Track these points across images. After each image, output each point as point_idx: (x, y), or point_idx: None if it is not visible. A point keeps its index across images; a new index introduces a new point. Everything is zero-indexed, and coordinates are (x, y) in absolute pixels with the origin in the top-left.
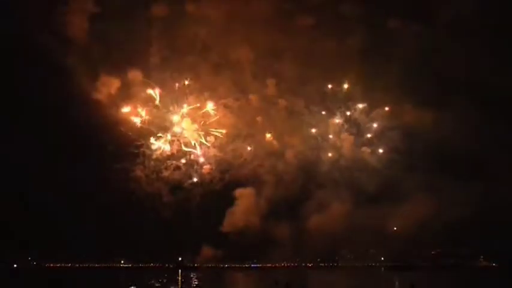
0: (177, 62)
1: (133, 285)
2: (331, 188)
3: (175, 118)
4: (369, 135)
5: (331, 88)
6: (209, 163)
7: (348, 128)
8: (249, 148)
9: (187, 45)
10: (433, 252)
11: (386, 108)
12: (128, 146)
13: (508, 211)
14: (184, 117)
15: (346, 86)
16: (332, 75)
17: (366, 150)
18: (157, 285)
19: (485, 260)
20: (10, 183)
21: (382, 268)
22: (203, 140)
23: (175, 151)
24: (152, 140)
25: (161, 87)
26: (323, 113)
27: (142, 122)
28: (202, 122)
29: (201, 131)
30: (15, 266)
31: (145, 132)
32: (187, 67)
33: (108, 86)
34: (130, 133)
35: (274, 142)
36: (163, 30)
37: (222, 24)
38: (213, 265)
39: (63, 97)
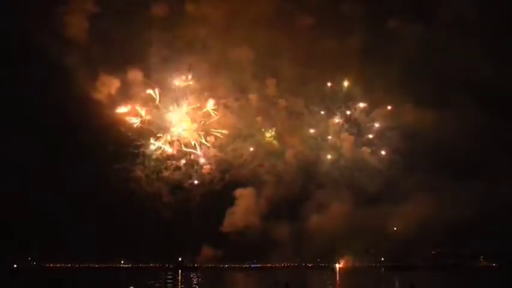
0: (177, 62)
1: (133, 286)
2: (331, 188)
3: (175, 118)
4: (369, 136)
5: (331, 88)
6: (209, 163)
7: (348, 128)
8: (251, 149)
9: (187, 45)
10: (433, 252)
11: (389, 107)
12: (127, 146)
13: (508, 211)
14: (184, 117)
15: (346, 85)
16: (332, 75)
17: (366, 150)
18: (157, 285)
19: (485, 260)
20: (10, 183)
21: (382, 268)
22: (203, 140)
23: (175, 151)
24: (152, 140)
25: (161, 87)
26: (323, 113)
27: (142, 122)
28: (202, 122)
29: (201, 131)
30: (15, 266)
31: (145, 132)
32: (187, 67)
33: (108, 86)
34: (130, 133)
35: (274, 142)
36: (163, 30)
37: (222, 24)
38: (213, 265)
39: (63, 97)
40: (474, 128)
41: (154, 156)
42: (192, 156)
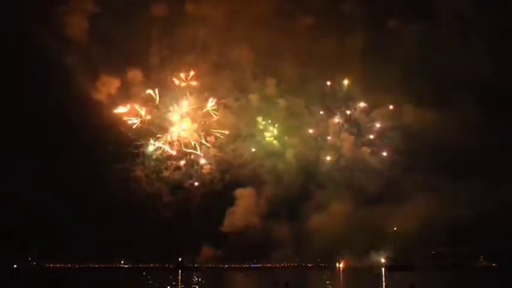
0: (177, 62)
1: (133, 286)
2: (331, 188)
3: (175, 118)
4: (369, 136)
5: (331, 88)
6: (209, 163)
7: (348, 128)
8: (253, 150)
9: (187, 45)
10: (433, 252)
11: (391, 107)
12: (127, 146)
13: (508, 211)
14: (184, 117)
15: (346, 85)
16: (332, 75)
17: (366, 150)
18: (157, 285)
19: (485, 260)
20: (10, 183)
21: (383, 268)
22: (203, 140)
23: (175, 151)
24: (152, 141)
25: (161, 87)
26: (323, 113)
27: (142, 122)
28: (202, 122)
29: (201, 131)
30: (15, 266)
31: (145, 133)
32: (187, 67)
33: (108, 86)
34: (130, 133)
35: (274, 142)
36: (163, 30)
37: (222, 24)
38: (213, 265)
39: (63, 97)
40: (474, 128)
41: (154, 156)
42: (192, 156)
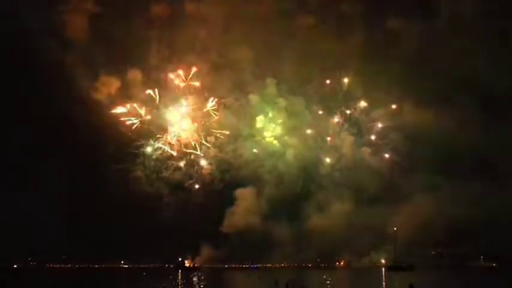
0: (177, 62)
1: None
2: (332, 188)
3: (175, 118)
4: (369, 136)
5: (331, 87)
6: (209, 163)
7: (348, 128)
8: (254, 150)
9: (187, 45)
10: (433, 252)
11: (394, 106)
12: (127, 146)
13: (508, 211)
14: (184, 117)
15: (346, 85)
16: (332, 75)
17: (366, 150)
18: (156, 285)
19: (485, 260)
20: (10, 183)
21: (383, 268)
22: (203, 140)
23: (175, 151)
24: (151, 141)
25: (161, 87)
26: (323, 112)
27: (142, 122)
28: (202, 122)
29: (201, 131)
30: (15, 266)
31: (145, 133)
32: (187, 67)
33: (108, 86)
34: (130, 133)
35: (275, 142)
36: (163, 30)
37: (221, 24)
38: (213, 265)
39: (63, 97)
40: (474, 128)
41: (154, 157)
42: (192, 157)
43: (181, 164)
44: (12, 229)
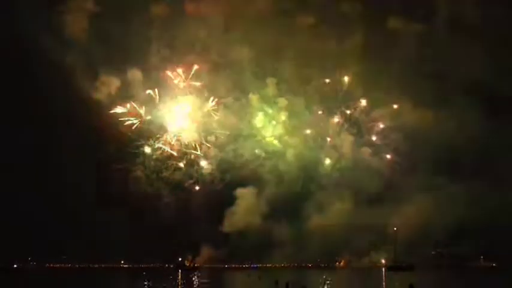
0: (177, 62)
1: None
2: (332, 188)
3: (175, 118)
4: (369, 136)
5: (331, 87)
6: (210, 163)
7: (348, 128)
8: (256, 151)
9: (187, 45)
10: (433, 252)
11: (395, 106)
12: (127, 146)
13: (508, 211)
14: (184, 117)
15: (346, 85)
16: (332, 75)
17: (366, 150)
18: (156, 285)
19: (485, 260)
20: (9, 182)
21: (383, 268)
22: (203, 140)
23: (175, 151)
24: (151, 141)
25: (161, 87)
26: (323, 112)
27: (142, 122)
28: (202, 122)
29: (202, 131)
30: (15, 266)
31: (145, 132)
32: (187, 67)
33: (108, 86)
34: (130, 133)
35: (275, 142)
36: (163, 30)
37: (221, 24)
38: (213, 265)
39: (63, 97)
40: (474, 128)
41: (154, 156)
42: (193, 156)
43: (181, 164)
44: (12, 229)
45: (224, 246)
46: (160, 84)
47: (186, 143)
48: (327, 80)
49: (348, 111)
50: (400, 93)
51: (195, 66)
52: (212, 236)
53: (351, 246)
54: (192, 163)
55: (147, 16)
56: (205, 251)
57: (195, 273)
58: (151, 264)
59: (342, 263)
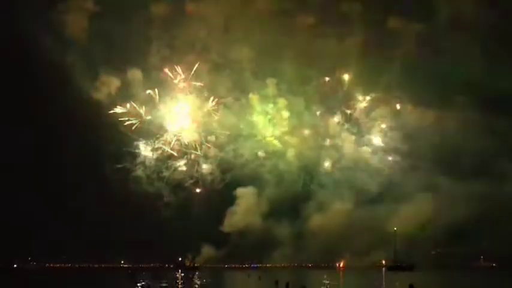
0: (177, 62)
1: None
2: (332, 188)
3: (175, 118)
4: (369, 136)
5: (331, 87)
6: (210, 163)
7: (348, 128)
8: (256, 151)
9: (187, 45)
10: (433, 252)
11: (394, 106)
12: (127, 146)
13: (508, 211)
14: (184, 117)
15: (346, 85)
16: (332, 75)
17: (367, 150)
18: (156, 285)
19: (485, 260)
20: (9, 182)
21: (383, 268)
22: (203, 140)
23: (175, 151)
24: (151, 141)
25: (161, 87)
26: (323, 112)
27: (142, 122)
28: (202, 122)
29: (202, 131)
30: (15, 266)
31: (146, 132)
32: (187, 67)
33: (108, 85)
34: (130, 133)
35: (275, 142)
36: (163, 30)
37: (221, 23)
38: (214, 265)
39: (63, 97)
40: (474, 128)
41: (154, 156)
42: (193, 156)
43: (182, 164)
44: (12, 229)
45: (224, 246)
46: (160, 84)
47: (186, 143)
48: (327, 79)
49: (348, 111)
50: (400, 93)
51: (195, 66)
52: (212, 236)
53: (351, 246)
54: (192, 163)
55: (147, 16)
56: (206, 251)
57: (195, 272)
58: (151, 264)
59: (342, 263)
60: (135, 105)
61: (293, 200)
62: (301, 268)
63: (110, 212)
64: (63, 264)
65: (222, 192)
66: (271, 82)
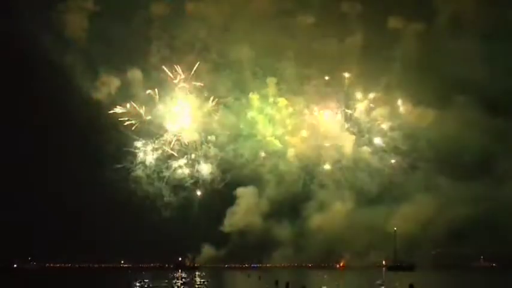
0: (177, 62)
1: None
2: (332, 188)
3: (175, 118)
4: (369, 135)
5: (332, 87)
6: (210, 163)
7: (349, 128)
8: (255, 150)
9: (187, 45)
10: (433, 252)
11: (394, 106)
12: (127, 146)
13: (508, 211)
14: (184, 117)
15: (346, 85)
16: (332, 74)
17: (367, 150)
18: (156, 285)
19: (485, 260)
20: (10, 183)
21: (383, 268)
22: (203, 140)
23: (175, 151)
24: (152, 140)
25: (161, 87)
26: (323, 112)
27: (142, 122)
28: (202, 122)
29: (202, 130)
30: (15, 266)
31: (145, 132)
32: (187, 67)
33: (108, 85)
34: (130, 133)
35: (276, 142)
36: (163, 30)
37: (222, 23)
38: (214, 265)
39: (63, 97)
40: (474, 128)
41: (154, 156)
42: (193, 156)
43: (182, 163)
44: (12, 229)
45: (224, 246)
46: (160, 84)
47: (186, 143)
48: (327, 78)
49: (348, 111)
50: (400, 93)
51: (195, 66)
52: (212, 236)
53: (351, 246)
54: (193, 163)
55: (147, 16)
56: (206, 251)
57: (195, 272)
58: (151, 264)
59: (342, 263)
60: (135, 105)
61: (293, 200)
62: (301, 268)
63: (110, 212)
64: (63, 264)
65: (222, 192)
66: (271, 82)
